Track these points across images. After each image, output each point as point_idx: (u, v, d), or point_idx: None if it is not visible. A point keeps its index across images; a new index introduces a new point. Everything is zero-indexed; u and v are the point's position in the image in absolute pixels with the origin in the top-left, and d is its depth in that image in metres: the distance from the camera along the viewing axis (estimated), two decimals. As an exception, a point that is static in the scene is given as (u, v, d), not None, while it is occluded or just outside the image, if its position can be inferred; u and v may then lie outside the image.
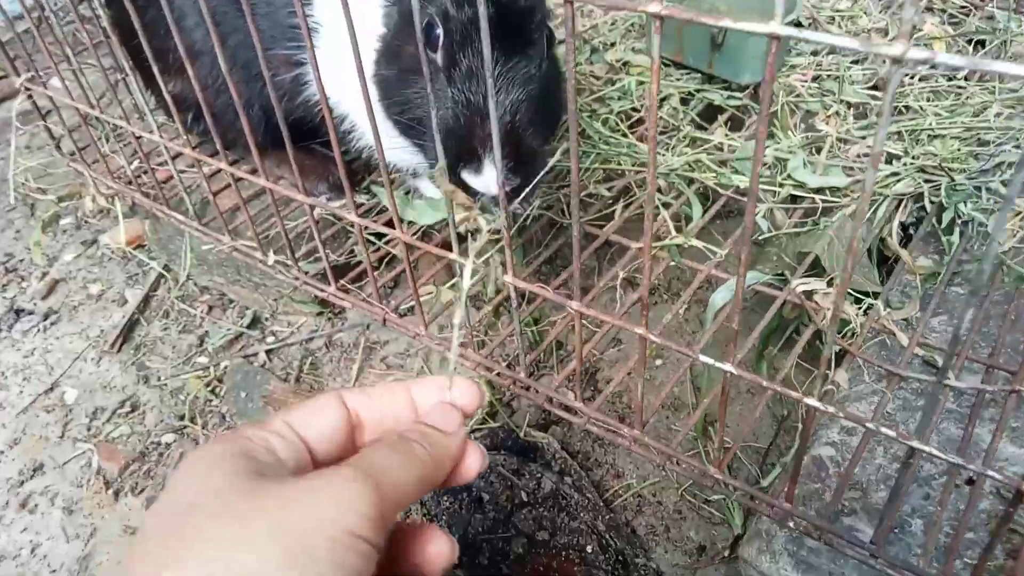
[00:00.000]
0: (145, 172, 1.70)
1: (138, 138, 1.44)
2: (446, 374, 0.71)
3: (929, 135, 1.45)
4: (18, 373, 1.65)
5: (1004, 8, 1.81)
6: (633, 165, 1.49)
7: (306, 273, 1.36)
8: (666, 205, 1.41)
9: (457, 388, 0.71)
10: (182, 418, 1.52)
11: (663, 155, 1.50)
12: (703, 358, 0.83)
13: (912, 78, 1.63)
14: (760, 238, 1.32)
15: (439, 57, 1.06)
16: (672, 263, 1.28)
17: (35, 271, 1.90)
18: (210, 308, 1.74)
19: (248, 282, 1.67)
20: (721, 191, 1.40)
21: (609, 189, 1.46)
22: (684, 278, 1.68)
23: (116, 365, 1.65)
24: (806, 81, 1.60)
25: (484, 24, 0.67)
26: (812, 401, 0.76)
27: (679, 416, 1.45)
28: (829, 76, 1.65)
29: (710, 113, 1.65)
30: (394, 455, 0.61)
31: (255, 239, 1.37)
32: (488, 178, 1.03)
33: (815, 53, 1.76)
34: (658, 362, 1.55)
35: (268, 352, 1.63)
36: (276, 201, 1.25)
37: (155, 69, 1.31)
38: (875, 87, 1.61)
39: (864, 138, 1.47)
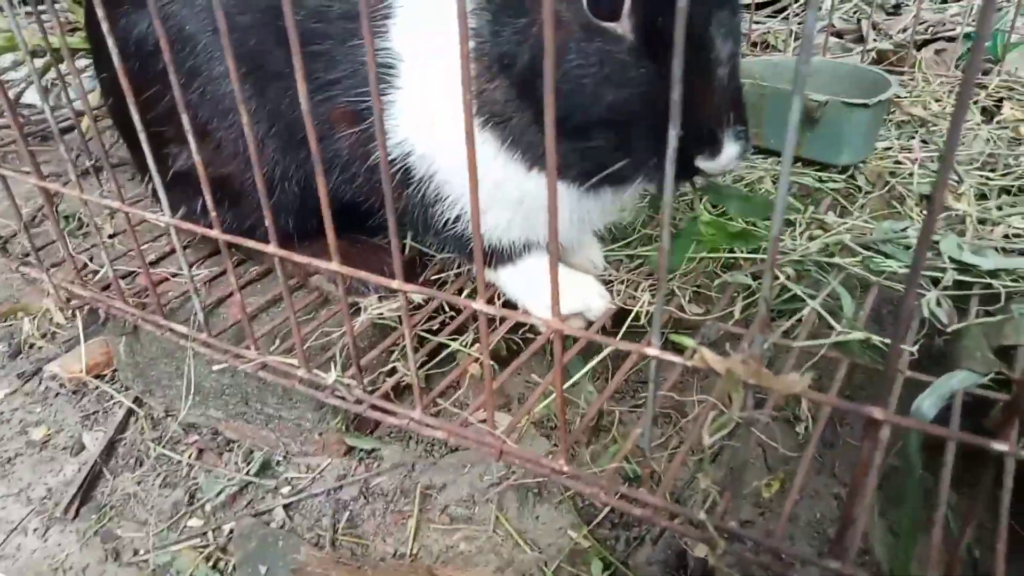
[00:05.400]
0: (133, 273, 1.34)
1: (133, 225, 1.09)
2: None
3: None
4: (-73, 555, 1.19)
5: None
6: (750, 250, 1.25)
7: (371, 393, 1.01)
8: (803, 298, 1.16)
9: None
10: (175, 609, 1.09)
11: (785, 241, 1.26)
12: None
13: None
14: (947, 331, 1.07)
15: (625, 27, 0.82)
16: (858, 360, 1.01)
17: (-45, 414, 1.46)
18: (200, 452, 1.34)
19: (257, 415, 1.29)
20: (871, 277, 1.16)
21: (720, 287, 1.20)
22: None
23: (71, 536, 1.21)
24: (916, 160, 1.42)
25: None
26: None
27: None
28: (930, 158, 1.48)
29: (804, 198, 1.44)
30: None
31: (300, 349, 1.02)
32: (730, 153, 0.85)
33: (901, 136, 1.60)
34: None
35: (287, 507, 1.23)
36: (335, 313, 0.92)
37: (164, 136, 1.01)
38: (991, 168, 1.45)
39: (1006, 218, 1.28)
